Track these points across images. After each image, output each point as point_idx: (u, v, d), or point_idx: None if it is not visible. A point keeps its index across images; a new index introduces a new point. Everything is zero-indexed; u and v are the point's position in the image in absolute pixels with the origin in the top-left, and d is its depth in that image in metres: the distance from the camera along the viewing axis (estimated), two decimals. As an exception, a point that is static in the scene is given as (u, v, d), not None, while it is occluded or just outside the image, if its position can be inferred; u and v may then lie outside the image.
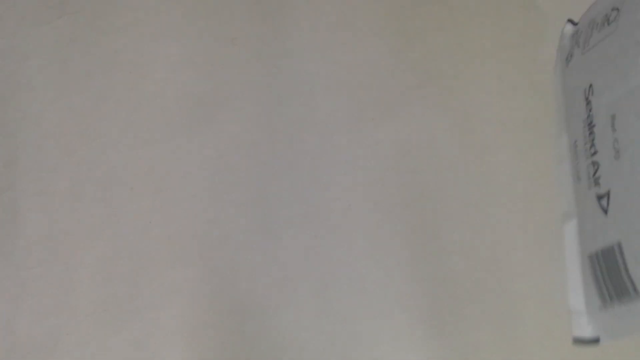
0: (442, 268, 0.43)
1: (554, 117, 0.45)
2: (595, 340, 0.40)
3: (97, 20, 0.51)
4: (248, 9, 0.50)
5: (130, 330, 0.44)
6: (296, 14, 0.49)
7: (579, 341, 0.40)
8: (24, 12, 0.52)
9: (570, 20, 0.45)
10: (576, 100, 0.41)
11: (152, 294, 0.45)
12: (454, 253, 0.44)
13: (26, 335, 0.45)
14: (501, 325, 0.42)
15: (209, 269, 0.45)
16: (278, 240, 0.45)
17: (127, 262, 0.46)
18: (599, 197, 0.38)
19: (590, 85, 0.39)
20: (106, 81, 0.50)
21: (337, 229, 0.45)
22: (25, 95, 0.50)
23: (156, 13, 0.51)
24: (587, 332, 0.40)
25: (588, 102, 0.39)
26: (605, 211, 0.37)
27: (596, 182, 0.38)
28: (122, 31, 0.51)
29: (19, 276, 0.46)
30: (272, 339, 0.43)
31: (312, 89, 0.47)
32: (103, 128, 0.49)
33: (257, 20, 0.49)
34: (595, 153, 0.39)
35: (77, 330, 0.45)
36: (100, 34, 0.51)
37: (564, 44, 0.45)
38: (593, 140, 0.39)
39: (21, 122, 0.49)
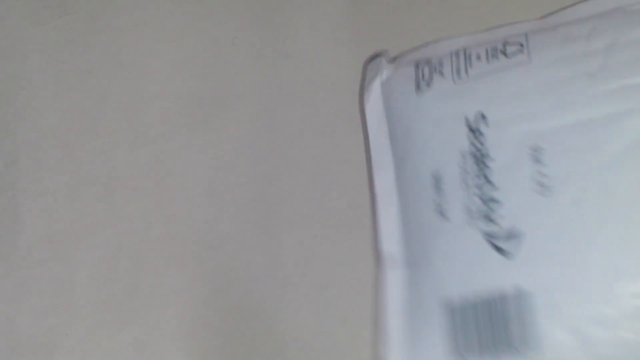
0: (442, 268, 0.43)
1: (368, 151, 0.42)
2: None
3: (97, 20, 0.51)
4: (248, 9, 0.50)
5: (130, 330, 0.44)
6: (296, 13, 0.49)
7: None
8: (24, 12, 0.52)
9: (377, 55, 0.44)
10: (444, 130, 0.38)
11: (152, 294, 0.45)
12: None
13: (26, 335, 0.45)
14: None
15: (209, 269, 0.45)
16: (278, 240, 0.45)
17: (127, 262, 0.46)
18: (493, 237, 0.35)
19: (482, 115, 0.37)
20: (106, 81, 0.50)
21: (337, 229, 0.45)
22: (25, 95, 0.50)
23: (156, 13, 0.51)
24: None
25: (475, 132, 0.37)
26: (509, 254, 0.34)
27: (489, 219, 0.35)
28: (122, 31, 0.51)
29: (19, 276, 0.46)
30: (272, 339, 0.43)
31: (312, 89, 0.47)
32: (103, 128, 0.49)
33: (257, 20, 0.49)
34: (486, 184, 0.36)
35: (77, 330, 0.45)
36: (100, 34, 0.51)
37: (400, 73, 0.42)
38: (484, 173, 0.36)
39: (21, 122, 0.50)
